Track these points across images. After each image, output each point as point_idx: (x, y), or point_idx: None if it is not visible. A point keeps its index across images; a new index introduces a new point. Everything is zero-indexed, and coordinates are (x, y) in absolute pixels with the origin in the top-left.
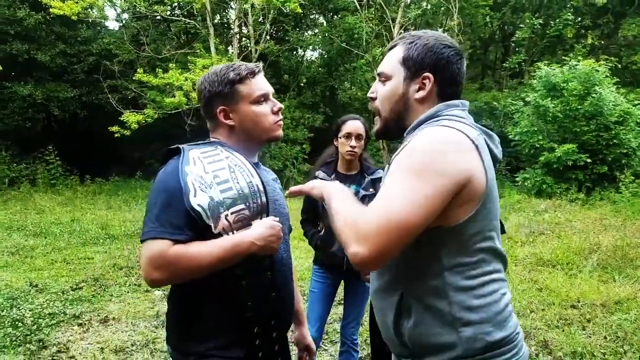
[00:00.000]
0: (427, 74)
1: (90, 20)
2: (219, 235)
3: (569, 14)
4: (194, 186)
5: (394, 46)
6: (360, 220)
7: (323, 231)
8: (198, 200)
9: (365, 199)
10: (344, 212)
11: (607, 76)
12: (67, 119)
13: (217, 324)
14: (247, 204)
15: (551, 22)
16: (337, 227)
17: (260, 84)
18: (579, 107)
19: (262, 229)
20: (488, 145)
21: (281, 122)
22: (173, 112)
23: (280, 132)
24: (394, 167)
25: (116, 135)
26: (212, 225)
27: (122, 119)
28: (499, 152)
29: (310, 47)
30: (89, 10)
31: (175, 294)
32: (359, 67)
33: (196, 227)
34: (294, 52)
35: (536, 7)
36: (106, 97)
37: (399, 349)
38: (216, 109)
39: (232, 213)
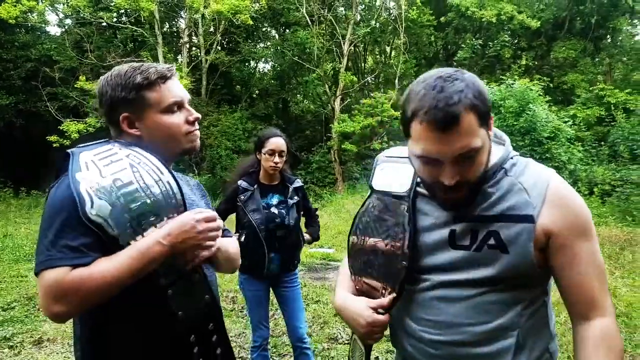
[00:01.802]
0: (491, 115)
1: (29, 25)
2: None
3: (506, 36)
4: (89, 194)
5: (456, 116)
6: (601, 297)
7: (243, 237)
8: (96, 209)
9: (293, 207)
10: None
11: (540, 94)
12: (2, 128)
13: (144, 345)
14: (159, 205)
15: (490, 43)
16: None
17: (174, 90)
18: (515, 123)
19: (171, 225)
20: None
21: (197, 133)
22: None
23: (196, 144)
24: (572, 236)
25: (55, 145)
26: (119, 236)
27: (61, 128)
28: None
29: (262, 59)
30: (29, 14)
31: (84, 319)
32: (311, 81)
33: (102, 244)
34: (246, 64)
35: (476, 28)
36: (45, 105)
37: None
38: (119, 116)
39: (141, 220)
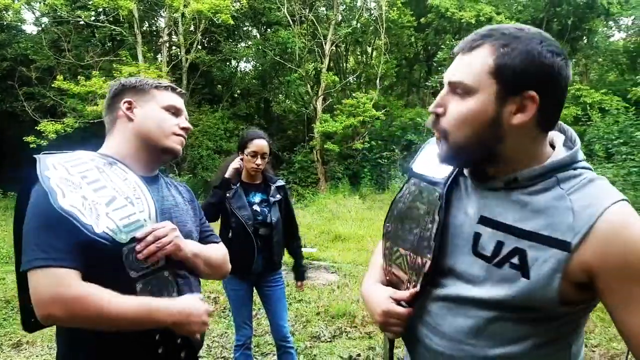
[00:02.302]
0: (531, 92)
1: (5, 23)
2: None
3: None
4: (61, 188)
5: (476, 45)
6: None
7: (231, 233)
8: (69, 200)
9: (275, 205)
10: None
11: None
12: None
13: (110, 340)
14: (129, 199)
15: None
16: None
17: (176, 100)
18: None
19: (186, 306)
20: None
21: (183, 141)
22: (95, 121)
23: (179, 147)
24: (630, 278)
25: (32, 145)
26: (93, 224)
27: (39, 128)
28: None
29: (244, 58)
30: (4, 12)
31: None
32: (293, 80)
33: (78, 247)
34: (227, 63)
35: (456, 29)
36: (21, 105)
37: None
38: (121, 100)
39: (113, 211)
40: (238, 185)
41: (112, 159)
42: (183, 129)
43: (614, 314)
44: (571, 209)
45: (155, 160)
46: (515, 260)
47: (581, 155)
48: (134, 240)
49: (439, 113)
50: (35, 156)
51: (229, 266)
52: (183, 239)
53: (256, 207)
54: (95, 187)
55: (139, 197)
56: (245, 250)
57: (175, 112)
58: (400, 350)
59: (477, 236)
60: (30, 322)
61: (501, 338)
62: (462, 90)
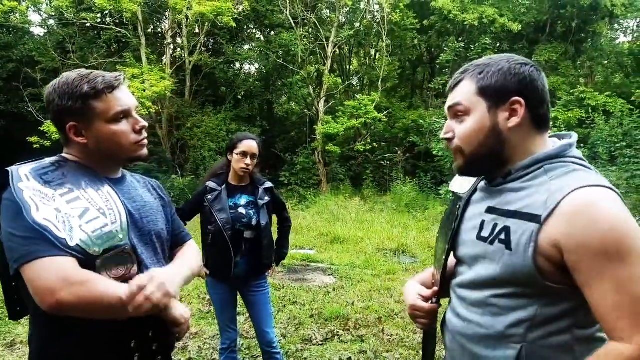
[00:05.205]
0: (516, 98)
1: (11, 25)
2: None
3: (487, 38)
4: (34, 201)
5: (459, 82)
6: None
7: (210, 237)
8: (42, 214)
9: (264, 207)
10: None
11: None
12: None
13: (85, 345)
14: (101, 210)
15: (472, 46)
16: None
17: (121, 100)
18: None
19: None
20: None
21: (145, 141)
22: None
23: (143, 152)
24: (593, 254)
25: (35, 146)
26: (67, 238)
27: (42, 129)
28: None
29: (247, 61)
30: (10, 14)
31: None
32: (295, 82)
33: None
34: (231, 65)
35: (459, 32)
36: (27, 106)
37: None
38: (66, 125)
39: (86, 223)
40: (223, 187)
41: (79, 163)
42: (139, 131)
43: (583, 293)
44: (549, 190)
45: (120, 165)
46: (502, 236)
47: (575, 152)
48: (107, 251)
49: (450, 137)
50: (7, 169)
51: (201, 263)
52: (167, 290)
53: (241, 210)
54: (68, 198)
55: (111, 208)
56: (223, 254)
57: (125, 114)
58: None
59: (482, 223)
60: (16, 311)
61: (499, 315)
62: (461, 112)
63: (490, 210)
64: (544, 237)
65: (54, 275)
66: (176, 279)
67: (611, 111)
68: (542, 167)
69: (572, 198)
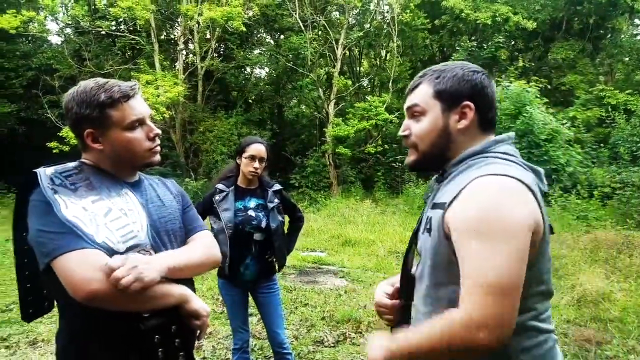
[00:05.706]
0: (466, 102)
1: (30, 35)
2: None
3: (500, 37)
4: (63, 199)
5: (417, 85)
6: (459, 317)
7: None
8: (71, 212)
9: (274, 210)
10: (435, 332)
11: (537, 97)
12: (4, 135)
13: (108, 346)
14: (122, 210)
15: (484, 45)
16: (446, 344)
17: (136, 108)
18: (512, 125)
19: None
20: (537, 185)
21: (158, 148)
22: None
23: (156, 159)
24: (462, 231)
25: (55, 151)
26: (94, 234)
27: (61, 134)
28: (544, 186)
29: (257, 65)
30: (29, 24)
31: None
32: (305, 85)
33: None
34: (242, 69)
35: (472, 30)
36: (46, 113)
37: None
38: (84, 132)
39: (110, 221)
40: (232, 188)
41: (98, 168)
42: (153, 138)
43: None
44: (460, 180)
45: (136, 170)
46: (428, 225)
47: (502, 147)
48: (129, 249)
49: (407, 134)
50: (35, 170)
51: (216, 254)
52: (148, 267)
53: (251, 212)
54: (93, 199)
55: (131, 209)
56: (229, 256)
57: (140, 122)
58: None
59: (427, 219)
60: (29, 313)
61: (438, 305)
62: (418, 112)
63: (432, 205)
64: (446, 221)
65: (88, 266)
66: (155, 265)
67: (633, 110)
68: (467, 162)
69: (470, 185)
